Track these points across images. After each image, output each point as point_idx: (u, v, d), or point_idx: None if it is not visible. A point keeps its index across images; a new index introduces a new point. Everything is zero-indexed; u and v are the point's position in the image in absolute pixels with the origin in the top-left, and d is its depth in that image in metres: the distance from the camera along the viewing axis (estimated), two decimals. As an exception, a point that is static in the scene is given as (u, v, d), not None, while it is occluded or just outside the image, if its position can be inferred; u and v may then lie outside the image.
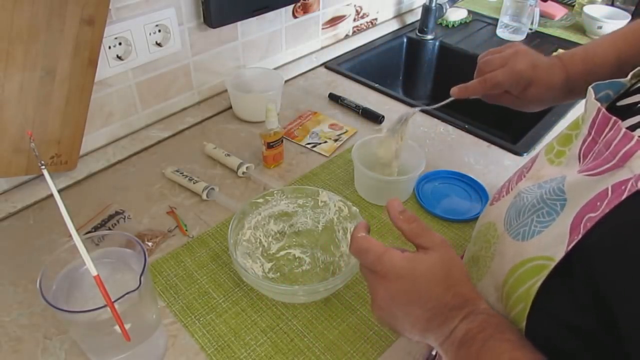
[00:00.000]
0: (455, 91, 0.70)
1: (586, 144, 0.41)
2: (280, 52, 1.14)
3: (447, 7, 1.34)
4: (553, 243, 0.37)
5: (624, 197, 0.32)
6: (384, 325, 0.52)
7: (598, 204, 0.34)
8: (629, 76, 0.44)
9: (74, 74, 0.72)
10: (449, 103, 0.72)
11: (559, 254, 0.36)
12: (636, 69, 0.44)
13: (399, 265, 0.43)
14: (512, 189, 0.49)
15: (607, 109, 0.40)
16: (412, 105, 1.05)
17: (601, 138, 0.38)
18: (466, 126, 0.98)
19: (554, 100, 0.68)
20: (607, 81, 0.44)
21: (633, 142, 0.34)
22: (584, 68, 0.64)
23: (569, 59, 0.65)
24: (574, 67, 0.64)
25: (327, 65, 1.19)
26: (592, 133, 0.40)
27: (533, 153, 0.91)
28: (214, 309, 0.63)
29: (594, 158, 0.38)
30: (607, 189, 0.34)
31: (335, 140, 0.94)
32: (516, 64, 0.65)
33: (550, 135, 0.97)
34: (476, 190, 0.82)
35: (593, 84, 0.43)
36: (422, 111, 0.75)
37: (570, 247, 0.35)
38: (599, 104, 0.40)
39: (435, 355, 0.63)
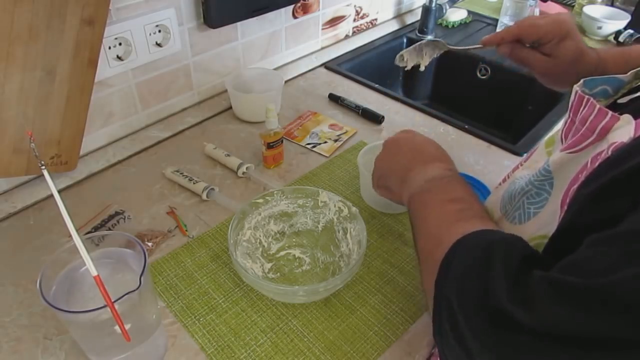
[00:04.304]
0: (487, 39, 0.68)
1: (566, 125, 0.43)
2: (280, 53, 1.14)
3: (447, 7, 1.34)
4: (548, 221, 0.39)
5: (596, 164, 0.34)
6: (378, 179, 0.64)
7: (580, 176, 0.36)
8: (629, 74, 0.45)
9: (74, 74, 0.72)
10: (475, 49, 0.72)
11: (553, 230, 0.38)
12: (637, 69, 0.45)
13: (396, 137, 0.63)
14: (509, 178, 0.51)
15: (609, 106, 0.42)
16: (412, 106, 1.05)
17: (577, 117, 0.40)
18: (466, 126, 0.98)
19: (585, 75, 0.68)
20: (604, 76, 0.45)
21: (608, 117, 0.36)
22: (620, 59, 0.64)
23: (601, 49, 0.66)
24: (608, 54, 0.65)
25: (327, 65, 1.19)
26: (571, 114, 0.42)
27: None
28: (214, 309, 0.63)
29: (572, 135, 0.41)
30: (587, 161, 0.36)
31: (335, 141, 0.94)
32: (558, 15, 0.64)
33: (550, 135, 0.97)
34: (481, 191, 0.82)
35: (586, 78, 0.45)
36: (444, 54, 0.76)
37: (558, 221, 0.37)
38: (577, 89, 0.42)
39: (435, 355, 0.63)
